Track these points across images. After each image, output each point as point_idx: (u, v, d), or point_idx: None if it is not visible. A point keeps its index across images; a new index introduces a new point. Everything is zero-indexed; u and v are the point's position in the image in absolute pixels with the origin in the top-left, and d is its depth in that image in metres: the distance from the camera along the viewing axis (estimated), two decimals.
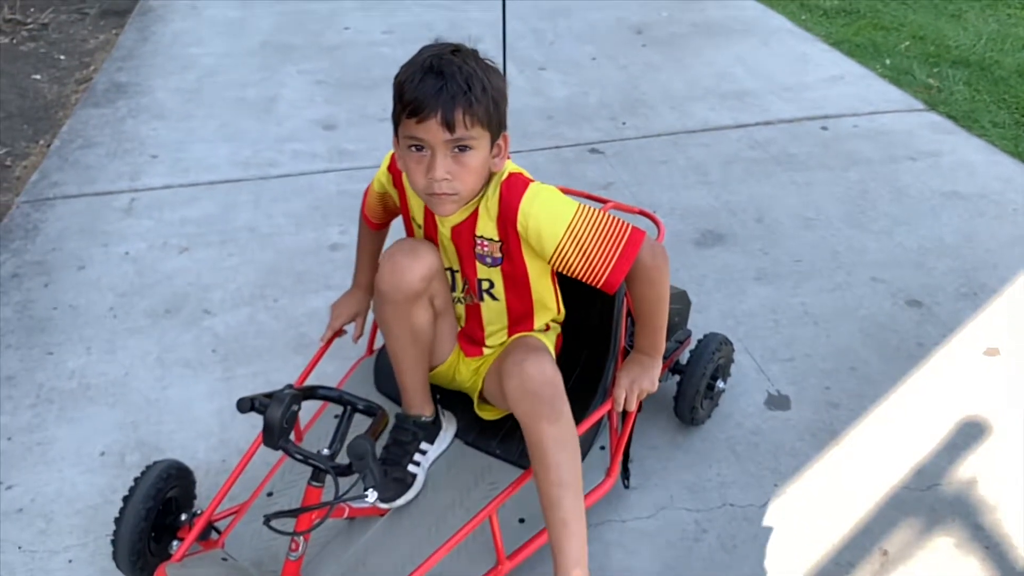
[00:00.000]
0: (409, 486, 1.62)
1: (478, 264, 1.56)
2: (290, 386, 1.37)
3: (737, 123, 3.46)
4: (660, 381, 1.86)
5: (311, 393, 1.43)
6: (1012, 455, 1.95)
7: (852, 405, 2.09)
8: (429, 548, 1.49)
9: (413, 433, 1.65)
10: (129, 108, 3.62)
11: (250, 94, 3.75)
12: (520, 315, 1.63)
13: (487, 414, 1.71)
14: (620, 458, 1.70)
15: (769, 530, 1.77)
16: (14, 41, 4.39)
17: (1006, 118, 3.50)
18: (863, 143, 3.32)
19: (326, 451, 1.35)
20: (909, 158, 3.21)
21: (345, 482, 1.32)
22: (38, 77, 4.00)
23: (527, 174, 1.53)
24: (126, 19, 4.67)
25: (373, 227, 1.81)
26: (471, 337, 1.68)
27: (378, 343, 1.97)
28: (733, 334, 2.26)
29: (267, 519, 1.32)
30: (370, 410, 1.40)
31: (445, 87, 1.34)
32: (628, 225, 1.46)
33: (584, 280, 1.47)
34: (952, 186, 3.02)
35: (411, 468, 1.63)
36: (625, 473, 1.78)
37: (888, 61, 4.07)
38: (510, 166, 1.51)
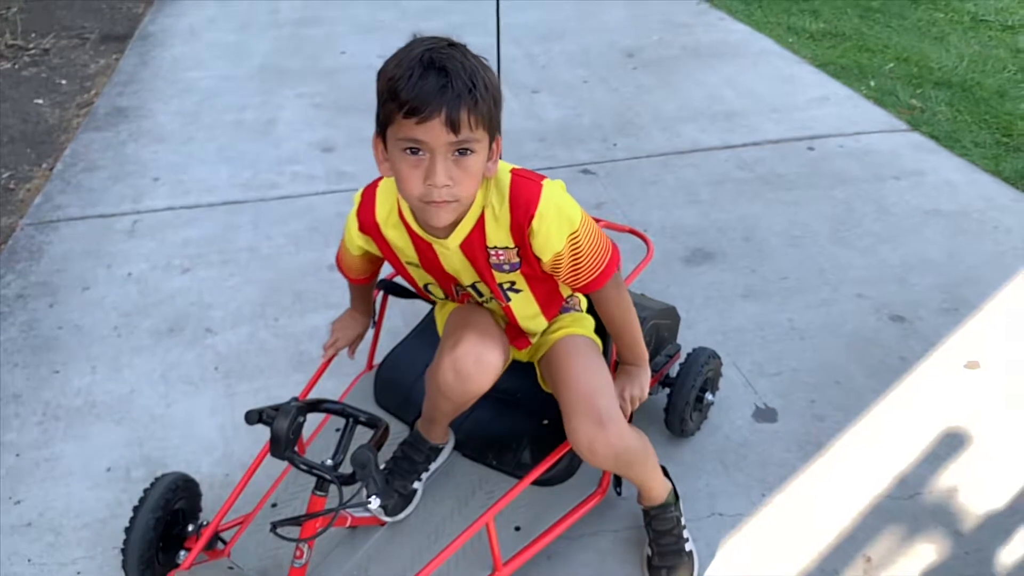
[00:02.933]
0: (411, 500, 1.68)
1: (495, 272, 1.50)
2: (295, 399, 1.43)
3: (726, 144, 3.55)
4: (651, 394, 1.93)
5: (316, 406, 1.49)
6: (991, 465, 2.01)
7: (837, 417, 2.15)
8: (429, 555, 1.55)
9: (426, 455, 1.71)
10: (130, 131, 3.69)
11: (249, 117, 3.83)
12: (547, 296, 1.60)
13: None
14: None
15: (756, 538, 1.83)
16: (16, 66, 4.47)
17: (987, 138, 3.59)
18: (848, 162, 3.41)
19: (329, 461, 1.41)
20: (893, 177, 3.30)
21: (348, 491, 1.37)
22: (40, 102, 4.08)
23: (527, 170, 1.47)
24: (126, 44, 4.76)
25: (360, 283, 1.77)
26: (513, 332, 1.65)
27: (377, 358, 2.03)
28: (722, 349, 2.32)
29: (273, 526, 1.37)
30: (372, 422, 1.45)
31: (450, 84, 1.23)
32: (611, 243, 1.52)
33: (562, 280, 1.51)
34: (935, 204, 3.11)
35: (414, 484, 1.69)
36: (617, 481, 1.84)
37: (873, 82, 4.17)
38: (505, 165, 1.46)
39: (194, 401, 2.20)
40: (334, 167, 3.37)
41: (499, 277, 1.51)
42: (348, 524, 1.60)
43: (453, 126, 1.24)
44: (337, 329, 1.86)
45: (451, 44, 1.30)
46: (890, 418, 2.15)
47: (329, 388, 2.05)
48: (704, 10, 5.24)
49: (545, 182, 1.44)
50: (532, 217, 1.40)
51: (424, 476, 1.69)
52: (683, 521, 1.73)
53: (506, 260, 1.47)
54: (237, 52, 4.59)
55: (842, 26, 4.94)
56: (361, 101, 3.94)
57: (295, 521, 1.40)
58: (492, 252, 1.46)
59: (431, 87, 1.23)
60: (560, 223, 1.42)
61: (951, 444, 2.07)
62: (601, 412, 1.48)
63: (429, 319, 2.12)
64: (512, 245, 1.45)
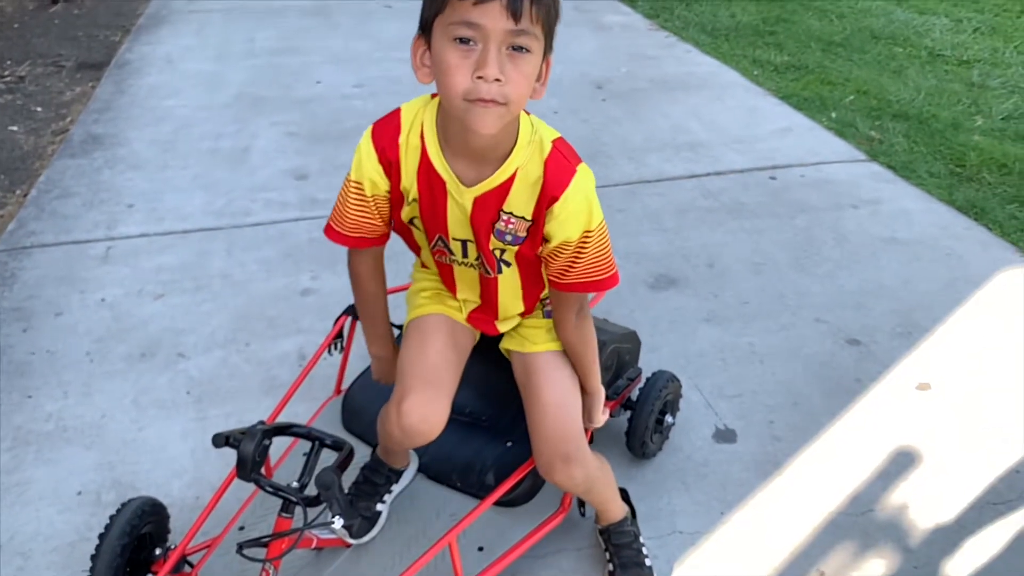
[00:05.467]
0: (375, 523, 1.72)
1: (493, 239, 1.43)
2: (262, 422, 1.47)
3: (691, 173, 3.65)
4: (613, 416, 1.99)
5: (281, 429, 1.53)
6: (941, 482, 2.09)
7: (794, 438, 2.22)
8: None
9: (387, 477, 1.74)
10: (105, 159, 3.72)
11: (224, 145, 3.88)
12: (531, 280, 1.56)
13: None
14: None
15: (715, 555, 1.88)
16: None
17: (941, 168, 3.73)
18: (809, 192, 3.52)
19: (296, 483, 1.45)
20: (852, 206, 3.41)
21: (313, 512, 1.42)
22: (15, 128, 4.10)
23: (567, 144, 1.40)
24: (103, 72, 4.80)
25: (377, 243, 1.53)
26: (485, 314, 1.62)
27: (345, 383, 2.07)
28: (684, 372, 2.39)
29: (240, 547, 1.41)
30: (337, 445, 1.50)
31: None
32: (615, 267, 1.46)
33: (552, 271, 1.45)
34: (891, 232, 3.22)
35: (378, 507, 1.73)
36: (580, 502, 1.89)
37: (834, 114, 4.30)
38: (549, 130, 1.39)
39: (165, 425, 2.22)
40: (307, 194, 3.43)
41: (494, 245, 1.44)
42: (314, 546, 1.64)
43: (514, 13, 1.14)
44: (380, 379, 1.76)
45: None
46: (845, 438, 2.23)
47: (299, 412, 2.10)
48: (672, 43, 5.39)
49: (580, 167, 1.37)
50: (556, 199, 1.33)
51: (388, 498, 1.73)
52: (641, 538, 1.79)
53: (513, 230, 1.40)
54: (213, 81, 4.65)
55: (806, 59, 5.10)
56: (335, 129, 4.01)
57: (261, 542, 1.44)
58: (503, 217, 1.38)
59: None
60: (580, 216, 1.36)
61: (903, 463, 2.15)
62: (569, 452, 1.56)
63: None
64: (529, 217, 1.38)
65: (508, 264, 1.50)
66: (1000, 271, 2.97)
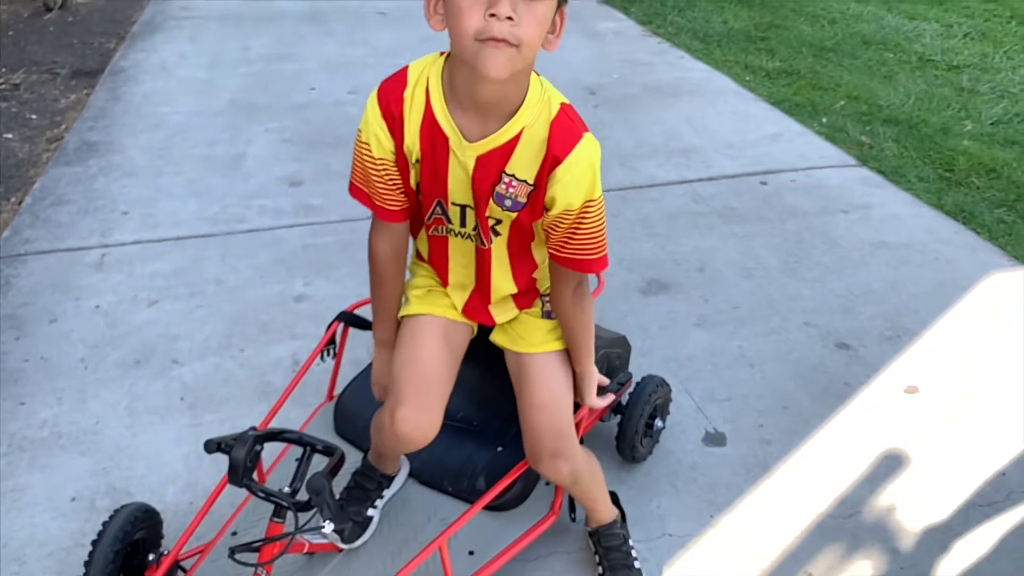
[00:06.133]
0: (366, 527, 1.74)
1: (491, 204, 1.40)
2: (254, 428, 1.49)
3: (682, 179, 3.67)
4: (603, 420, 2.01)
5: (273, 435, 1.55)
6: (928, 484, 2.12)
7: (783, 441, 2.25)
8: None
9: (378, 483, 1.76)
10: (100, 166, 3.74)
11: (218, 152, 3.90)
12: (518, 256, 1.53)
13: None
14: (563, 493, 1.82)
15: (705, 557, 1.90)
16: None
17: (930, 173, 3.76)
18: (800, 197, 3.54)
19: (287, 489, 1.46)
20: (842, 211, 3.44)
21: (304, 517, 1.43)
22: (10, 136, 4.11)
23: (575, 111, 1.39)
24: (97, 79, 4.82)
25: (395, 218, 1.51)
26: (479, 301, 1.61)
27: (337, 389, 2.09)
28: (675, 376, 2.41)
29: (232, 551, 1.42)
30: (328, 450, 1.51)
31: None
32: (607, 248, 1.46)
33: (552, 244, 1.44)
34: (880, 237, 3.25)
35: (369, 512, 1.75)
36: (571, 506, 1.90)
37: (825, 119, 4.34)
38: (558, 94, 1.38)
39: (160, 431, 2.24)
40: (301, 201, 3.44)
41: (491, 211, 1.42)
42: (306, 550, 1.65)
43: None
44: (379, 381, 1.72)
45: None
46: (833, 441, 2.25)
47: (292, 418, 2.12)
48: (665, 49, 5.42)
49: (587, 134, 1.35)
50: (560, 161, 1.32)
51: (379, 503, 1.75)
52: (630, 541, 1.81)
53: (514, 195, 1.38)
54: (208, 88, 4.66)
55: (797, 65, 5.14)
56: (329, 136, 4.03)
57: (252, 547, 1.46)
58: (505, 180, 1.36)
59: None
60: (584, 182, 1.34)
61: (890, 465, 2.17)
62: (558, 448, 1.58)
63: None
64: (531, 182, 1.36)
65: (498, 235, 1.47)
66: (988, 275, 3.00)
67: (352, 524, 1.70)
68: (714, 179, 3.68)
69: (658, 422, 2.12)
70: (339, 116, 4.29)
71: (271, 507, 1.48)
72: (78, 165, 3.75)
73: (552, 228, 1.42)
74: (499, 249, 1.51)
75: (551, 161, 1.33)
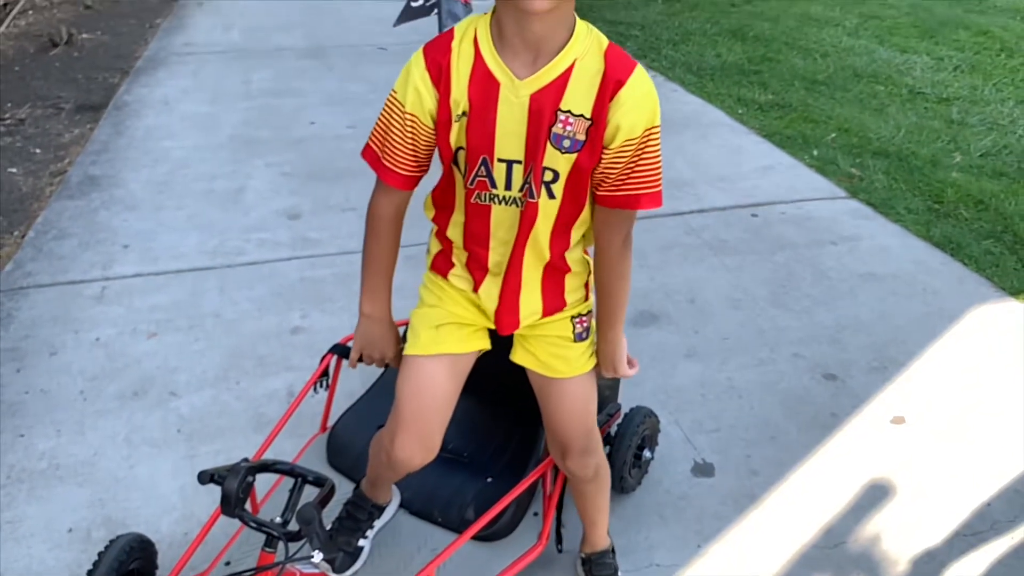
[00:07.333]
0: (357, 557, 1.77)
1: (549, 148, 1.36)
2: (246, 460, 1.53)
3: (674, 211, 3.73)
4: None
5: (265, 466, 1.59)
6: (913, 514, 2.14)
7: (771, 472, 2.28)
8: None
9: (369, 513, 1.79)
10: (102, 200, 3.81)
11: (219, 185, 3.97)
12: (568, 214, 1.46)
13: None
14: (551, 523, 1.85)
15: None
16: None
17: (919, 205, 3.82)
18: (790, 229, 3.60)
19: (278, 519, 1.50)
20: (831, 243, 3.49)
21: (295, 546, 1.47)
22: (14, 170, 4.19)
23: None
24: (101, 114, 4.91)
25: (401, 184, 1.47)
26: (510, 299, 1.55)
27: (330, 420, 2.13)
28: (664, 407, 2.45)
29: None
30: (319, 480, 1.55)
31: None
32: (662, 184, 1.42)
33: (609, 184, 1.39)
34: (869, 268, 3.30)
35: (360, 542, 1.78)
36: (558, 538, 1.93)
37: (816, 152, 4.41)
38: (601, 35, 1.39)
39: (156, 463, 2.27)
40: (300, 234, 3.50)
41: (549, 158, 1.37)
42: None
43: None
44: (365, 348, 1.65)
45: None
46: (820, 471, 2.28)
47: (286, 449, 2.15)
48: (659, 83, 5.51)
49: (639, 65, 1.36)
50: (623, 84, 1.31)
51: (370, 534, 1.78)
52: (620, 573, 1.84)
53: (572, 133, 1.34)
54: (209, 122, 4.75)
55: (789, 98, 5.22)
56: (329, 169, 4.10)
57: None
58: (561, 117, 1.34)
59: None
60: (643, 108, 1.33)
61: (875, 495, 2.20)
62: (589, 447, 1.67)
63: (382, 382, 2.23)
64: (588, 115, 1.34)
65: (553, 197, 1.42)
66: (975, 306, 3.04)
67: (343, 554, 1.74)
68: (705, 211, 3.74)
69: (647, 453, 2.15)
70: (338, 150, 4.36)
71: (264, 537, 1.51)
72: (80, 199, 3.81)
73: (609, 169, 1.38)
74: (547, 211, 1.44)
75: (614, 85, 1.32)
